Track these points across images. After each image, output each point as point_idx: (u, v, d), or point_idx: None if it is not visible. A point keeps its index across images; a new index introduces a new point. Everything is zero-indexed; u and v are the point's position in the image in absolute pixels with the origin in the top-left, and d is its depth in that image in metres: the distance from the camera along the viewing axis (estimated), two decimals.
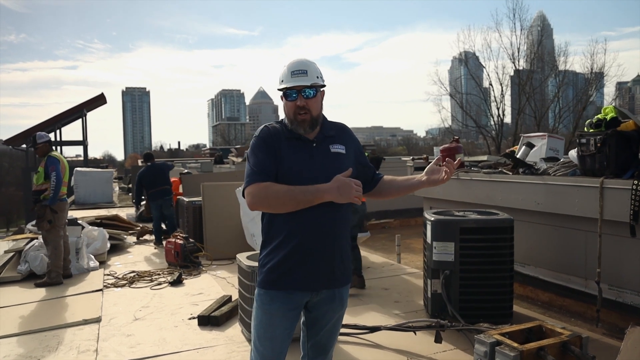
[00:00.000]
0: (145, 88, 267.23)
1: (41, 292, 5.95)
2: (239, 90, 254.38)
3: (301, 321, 2.29)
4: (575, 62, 45.71)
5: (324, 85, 2.19)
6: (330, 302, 2.19)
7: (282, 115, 2.25)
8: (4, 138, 23.90)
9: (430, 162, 2.34)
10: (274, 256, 2.12)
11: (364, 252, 7.66)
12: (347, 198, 1.96)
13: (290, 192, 2.00)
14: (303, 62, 2.15)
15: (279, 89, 2.16)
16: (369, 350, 3.87)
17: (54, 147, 6.72)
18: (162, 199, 9.06)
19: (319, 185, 1.99)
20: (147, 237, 9.76)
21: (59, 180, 6.21)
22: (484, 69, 31.75)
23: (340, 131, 2.27)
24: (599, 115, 4.64)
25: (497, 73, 30.72)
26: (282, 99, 2.18)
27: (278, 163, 2.08)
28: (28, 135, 20.49)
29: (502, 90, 30.66)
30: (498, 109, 30.73)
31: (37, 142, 6.44)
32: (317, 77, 2.14)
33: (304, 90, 2.11)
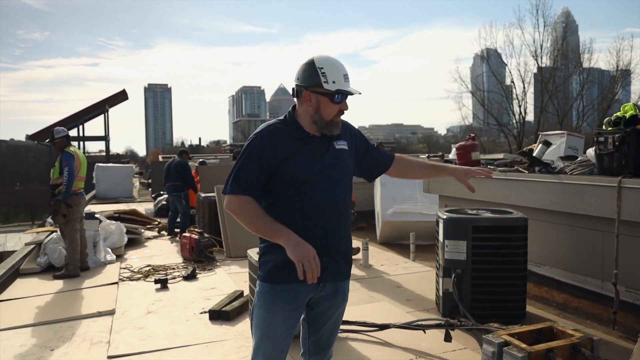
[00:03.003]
0: (166, 85, 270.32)
1: (59, 284, 6.08)
2: (260, 87, 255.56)
3: (301, 318, 2.27)
4: (600, 59, 44.69)
5: None
6: (333, 297, 2.18)
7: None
8: (29, 133, 24.43)
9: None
10: (281, 250, 2.04)
11: (378, 249, 7.62)
12: (297, 257, 1.93)
13: (258, 219, 2.02)
14: (342, 65, 2.12)
15: (332, 90, 2.04)
16: (377, 348, 3.84)
17: (72, 142, 6.83)
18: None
19: (281, 228, 1.99)
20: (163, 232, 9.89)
21: (71, 175, 6.30)
22: (506, 66, 31.42)
23: (342, 127, 2.25)
24: (618, 113, 4.52)
25: (519, 70, 30.35)
26: (308, 96, 2.07)
27: (289, 163, 2.04)
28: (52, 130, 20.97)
29: (524, 88, 30.27)
30: (520, 106, 30.35)
31: (54, 137, 6.55)
32: None
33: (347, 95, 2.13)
